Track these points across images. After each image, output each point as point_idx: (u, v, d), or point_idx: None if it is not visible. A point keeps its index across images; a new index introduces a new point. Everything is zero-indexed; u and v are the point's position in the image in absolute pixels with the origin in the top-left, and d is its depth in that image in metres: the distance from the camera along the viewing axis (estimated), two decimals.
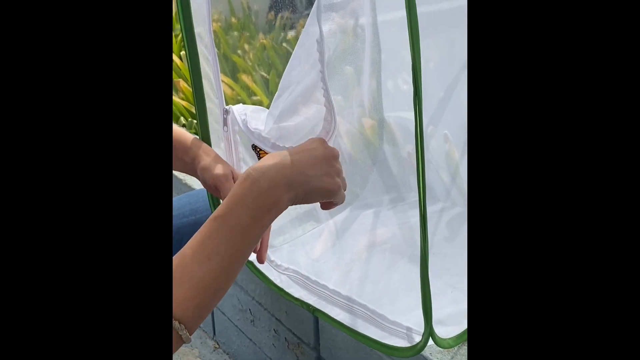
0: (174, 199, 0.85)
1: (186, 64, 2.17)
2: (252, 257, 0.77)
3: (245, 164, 0.71)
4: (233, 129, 0.72)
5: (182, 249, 0.42)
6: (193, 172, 0.68)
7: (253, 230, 0.42)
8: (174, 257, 0.41)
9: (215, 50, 0.72)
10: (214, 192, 0.64)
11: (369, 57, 0.78)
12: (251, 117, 0.70)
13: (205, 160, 0.64)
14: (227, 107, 0.73)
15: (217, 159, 0.65)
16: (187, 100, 1.80)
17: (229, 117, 0.71)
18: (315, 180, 0.46)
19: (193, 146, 0.67)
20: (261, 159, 0.47)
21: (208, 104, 0.72)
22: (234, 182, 0.56)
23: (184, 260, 0.41)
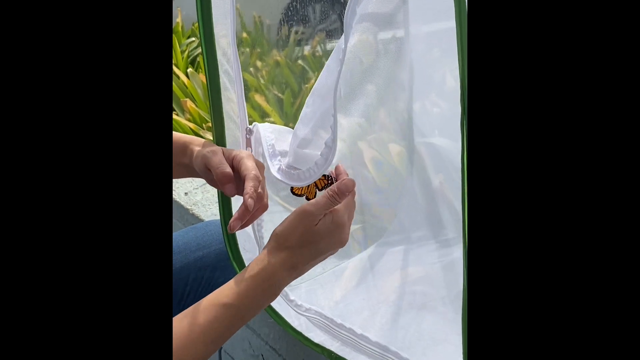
0: (179, 233, 0.85)
1: (193, 82, 2.21)
2: None
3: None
4: (257, 150, 0.70)
5: (191, 322, 0.50)
6: (194, 172, 0.66)
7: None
8: (180, 321, 0.50)
9: (239, 62, 0.69)
10: (210, 182, 0.63)
11: (395, 75, 0.78)
12: (279, 138, 0.68)
13: (198, 151, 0.64)
14: (250, 125, 0.69)
15: (207, 144, 0.65)
16: (194, 121, 1.81)
17: (253, 137, 0.68)
18: (319, 261, 0.58)
19: (189, 145, 0.65)
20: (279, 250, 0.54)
21: (227, 123, 0.68)
22: (223, 157, 0.61)
23: (192, 336, 0.49)
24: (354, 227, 0.87)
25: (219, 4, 0.66)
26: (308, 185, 0.65)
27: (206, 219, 1.11)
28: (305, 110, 0.65)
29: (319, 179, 0.64)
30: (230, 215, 0.74)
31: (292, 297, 0.75)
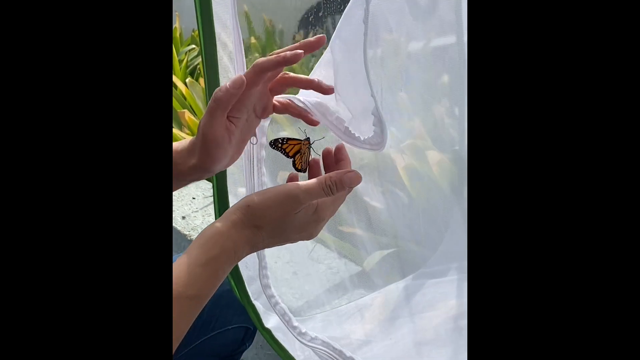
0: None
1: (193, 92, 2.27)
2: (271, 324, 0.77)
3: (266, 187, 0.71)
4: (260, 141, 0.72)
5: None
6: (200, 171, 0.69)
7: None
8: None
9: (244, 59, 0.73)
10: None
11: (430, 81, 0.82)
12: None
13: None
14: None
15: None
16: (193, 135, 1.88)
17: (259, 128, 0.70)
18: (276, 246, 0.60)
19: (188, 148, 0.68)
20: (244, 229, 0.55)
21: None
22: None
23: None
24: (385, 252, 0.89)
25: (220, 2, 0.69)
26: (300, 152, 0.66)
27: None
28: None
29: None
30: None
31: (299, 327, 0.74)
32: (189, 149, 0.64)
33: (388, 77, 0.77)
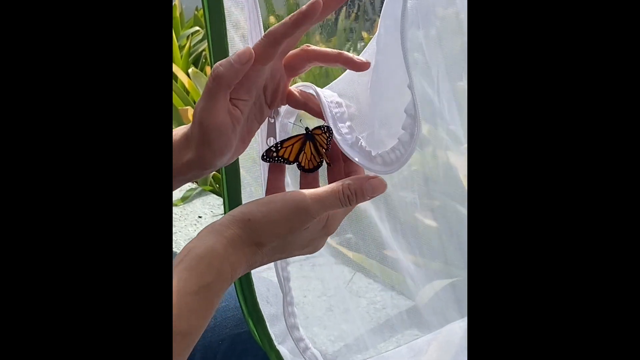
0: None
1: (197, 85, 2.26)
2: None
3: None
4: (282, 121, 0.70)
5: None
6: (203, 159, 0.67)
7: None
8: None
9: (260, 14, 0.70)
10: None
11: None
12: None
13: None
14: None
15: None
16: None
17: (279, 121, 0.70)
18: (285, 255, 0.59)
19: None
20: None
21: None
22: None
23: None
24: (440, 284, 0.87)
25: None
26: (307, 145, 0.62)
27: None
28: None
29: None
30: None
31: None
32: (183, 141, 0.62)
33: (446, 62, 0.75)
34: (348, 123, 0.62)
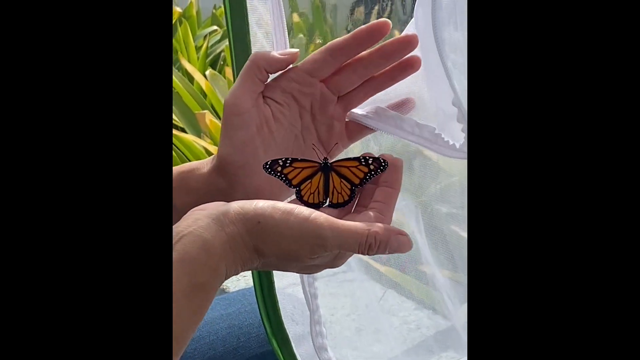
0: None
1: (215, 88, 2.26)
2: None
3: None
4: None
5: None
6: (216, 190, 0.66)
7: None
8: None
9: (287, 36, 0.71)
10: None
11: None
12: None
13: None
14: None
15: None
16: (216, 144, 1.85)
17: None
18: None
19: (190, 172, 0.66)
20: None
21: None
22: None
23: None
24: None
25: None
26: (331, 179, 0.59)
27: (231, 289, 1.12)
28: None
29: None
30: (270, 280, 0.75)
31: None
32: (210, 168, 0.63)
33: None
34: (415, 122, 0.63)
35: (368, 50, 0.60)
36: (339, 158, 0.61)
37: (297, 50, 0.57)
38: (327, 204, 0.58)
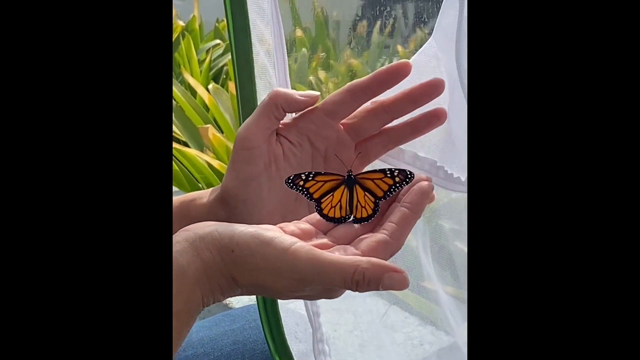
0: (203, 324, 0.87)
1: (218, 102, 2.27)
2: None
3: None
4: None
5: None
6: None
7: None
8: None
9: (282, 28, 0.70)
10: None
11: None
12: None
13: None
14: None
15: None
16: (219, 158, 1.85)
17: None
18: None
19: (190, 203, 0.64)
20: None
21: None
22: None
23: None
24: None
25: None
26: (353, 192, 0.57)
27: (235, 305, 1.11)
28: None
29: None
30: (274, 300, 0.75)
31: None
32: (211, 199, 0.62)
33: None
34: (414, 154, 0.64)
35: (393, 95, 0.59)
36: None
37: (318, 93, 0.56)
38: (351, 219, 0.56)
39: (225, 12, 0.68)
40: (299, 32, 2.06)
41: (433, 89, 0.59)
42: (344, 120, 0.60)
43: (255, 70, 0.68)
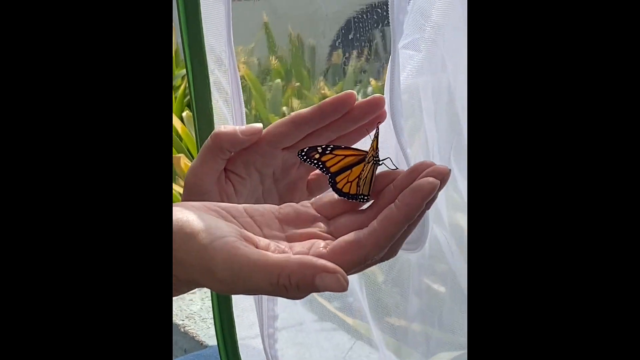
0: None
1: (191, 131, 2.25)
2: None
3: None
4: None
5: None
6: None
7: None
8: None
9: (239, 78, 0.70)
10: None
11: None
12: None
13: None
14: None
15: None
16: None
17: None
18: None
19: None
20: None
21: None
22: None
23: None
24: (451, 356, 0.86)
25: (211, 30, 0.69)
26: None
27: (208, 342, 1.11)
28: None
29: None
30: (233, 334, 0.75)
31: None
32: None
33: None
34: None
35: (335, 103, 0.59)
36: None
37: (260, 126, 0.56)
38: (368, 202, 0.50)
39: (185, 62, 0.69)
40: (273, 60, 2.06)
41: (374, 107, 0.59)
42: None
43: (215, 119, 0.69)
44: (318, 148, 0.53)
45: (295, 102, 1.79)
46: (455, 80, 0.63)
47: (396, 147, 0.59)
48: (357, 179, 0.51)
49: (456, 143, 0.63)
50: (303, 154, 0.53)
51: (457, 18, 0.61)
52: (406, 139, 0.56)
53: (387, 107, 0.58)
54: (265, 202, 0.61)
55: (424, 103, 0.64)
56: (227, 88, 0.71)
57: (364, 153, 0.52)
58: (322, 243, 0.47)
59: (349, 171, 0.52)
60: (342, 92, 0.57)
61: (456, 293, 0.86)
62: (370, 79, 1.83)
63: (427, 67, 0.64)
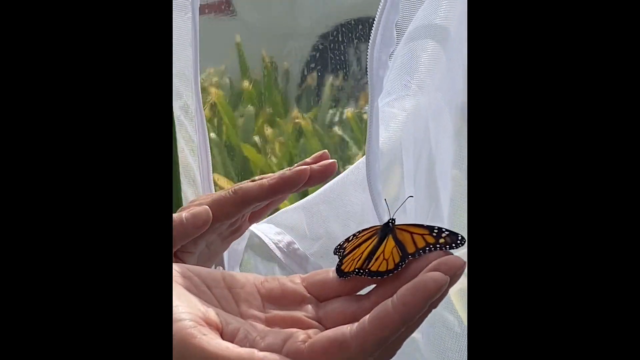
0: None
1: None
2: None
3: None
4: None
5: None
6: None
7: None
8: None
9: (206, 127, 0.70)
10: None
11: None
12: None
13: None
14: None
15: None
16: None
17: None
18: None
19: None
20: None
21: None
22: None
23: None
24: None
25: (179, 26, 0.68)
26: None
27: None
28: None
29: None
30: None
31: None
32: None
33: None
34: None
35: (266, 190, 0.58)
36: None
37: (208, 213, 0.55)
38: (365, 272, 0.46)
39: None
40: (246, 84, 2.02)
41: (327, 174, 0.60)
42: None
43: (180, 168, 0.69)
44: (348, 237, 0.49)
45: (268, 130, 1.77)
46: (437, 144, 0.62)
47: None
48: (360, 255, 0.47)
49: (432, 213, 0.61)
50: (338, 248, 0.49)
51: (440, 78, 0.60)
52: (384, 205, 0.55)
53: (365, 169, 0.57)
54: (209, 249, 0.61)
55: (406, 165, 0.63)
56: (194, 137, 0.71)
57: (379, 228, 0.49)
58: (301, 335, 0.41)
59: (357, 249, 0.48)
60: (297, 168, 0.57)
61: (431, 341, 0.85)
62: (346, 110, 1.81)
63: (412, 127, 0.63)
